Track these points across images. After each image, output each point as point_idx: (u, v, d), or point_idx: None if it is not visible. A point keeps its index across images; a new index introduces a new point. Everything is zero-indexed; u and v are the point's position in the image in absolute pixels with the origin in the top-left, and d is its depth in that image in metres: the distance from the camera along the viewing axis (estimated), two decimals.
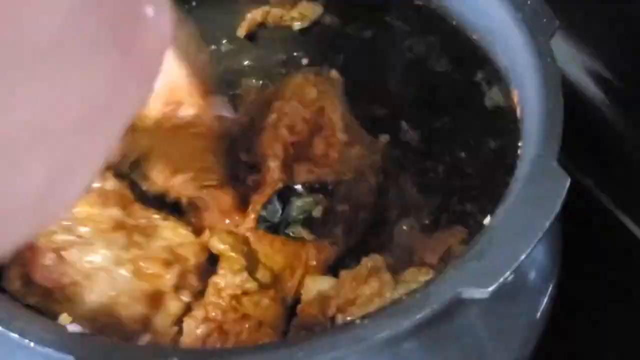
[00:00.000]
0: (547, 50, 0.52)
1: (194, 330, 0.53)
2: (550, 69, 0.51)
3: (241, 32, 0.73)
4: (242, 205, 0.60)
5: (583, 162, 0.70)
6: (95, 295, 0.52)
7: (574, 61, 0.73)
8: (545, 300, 0.52)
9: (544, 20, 0.54)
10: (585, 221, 0.66)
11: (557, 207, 0.44)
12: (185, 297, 0.55)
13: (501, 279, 0.42)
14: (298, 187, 0.61)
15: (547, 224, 0.44)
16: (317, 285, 0.56)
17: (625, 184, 0.71)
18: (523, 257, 0.42)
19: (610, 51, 0.72)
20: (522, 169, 0.48)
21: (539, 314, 0.52)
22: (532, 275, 0.51)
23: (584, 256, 0.62)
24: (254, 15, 0.72)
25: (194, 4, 0.72)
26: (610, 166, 0.72)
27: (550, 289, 0.53)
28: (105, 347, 0.42)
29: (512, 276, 0.42)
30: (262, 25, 0.73)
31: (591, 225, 0.68)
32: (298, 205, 0.60)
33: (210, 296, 0.55)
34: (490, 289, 0.41)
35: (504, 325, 0.49)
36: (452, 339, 0.47)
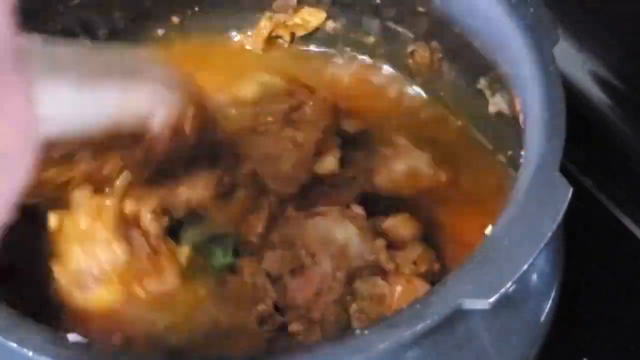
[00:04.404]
0: (550, 58, 0.52)
1: None
2: (553, 77, 0.51)
3: (257, 46, 0.73)
4: None
5: (584, 164, 0.70)
6: None
7: (575, 63, 0.73)
8: (548, 305, 0.52)
9: (547, 27, 0.54)
10: (587, 222, 0.66)
11: (559, 218, 0.44)
12: None
13: (502, 290, 0.41)
14: None
15: (549, 234, 0.43)
16: None
17: (627, 185, 0.71)
18: (524, 267, 0.42)
19: (612, 53, 0.72)
20: (524, 178, 0.47)
21: (542, 319, 0.51)
22: (534, 280, 0.51)
23: (585, 258, 0.62)
24: (262, 27, 0.72)
25: (196, 9, 0.72)
26: (612, 168, 0.72)
27: (552, 293, 0.52)
28: (106, 357, 0.42)
29: (513, 286, 0.42)
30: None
31: (592, 226, 0.68)
32: None
33: None
34: (492, 299, 0.41)
35: (506, 332, 0.49)
36: (454, 348, 0.46)
